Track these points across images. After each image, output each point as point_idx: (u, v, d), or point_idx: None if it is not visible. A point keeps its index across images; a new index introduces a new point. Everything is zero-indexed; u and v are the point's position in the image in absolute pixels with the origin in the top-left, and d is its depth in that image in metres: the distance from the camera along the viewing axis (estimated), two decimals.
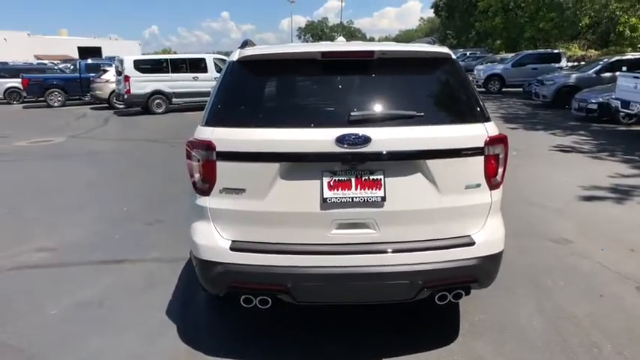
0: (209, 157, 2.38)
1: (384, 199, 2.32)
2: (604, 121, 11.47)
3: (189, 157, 2.50)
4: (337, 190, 2.32)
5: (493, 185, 2.47)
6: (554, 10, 24.53)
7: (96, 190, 6.51)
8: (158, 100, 15.37)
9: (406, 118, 2.36)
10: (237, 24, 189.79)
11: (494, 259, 2.48)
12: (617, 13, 20.33)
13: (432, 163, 2.34)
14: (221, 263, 2.38)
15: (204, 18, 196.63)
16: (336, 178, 2.33)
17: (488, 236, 2.46)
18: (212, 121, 2.44)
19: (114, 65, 16.73)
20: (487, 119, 2.49)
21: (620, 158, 7.90)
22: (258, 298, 2.43)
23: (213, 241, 2.42)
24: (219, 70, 16.31)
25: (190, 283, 3.58)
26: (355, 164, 2.31)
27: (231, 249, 2.37)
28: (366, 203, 2.32)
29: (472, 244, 2.41)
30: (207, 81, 15.72)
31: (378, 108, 2.41)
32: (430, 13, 61.70)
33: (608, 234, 4.50)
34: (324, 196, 2.31)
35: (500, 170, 2.49)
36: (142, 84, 14.94)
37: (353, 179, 2.33)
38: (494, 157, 2.44)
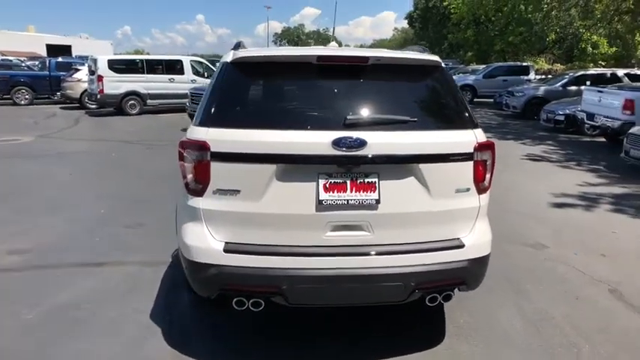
0: (203, 157, 2.37)
1: (378, 201, 2.36)
2: (570, 132, 11.96)
3: (181, 157, 2.47)
4: (333, 192, 2.34)
5: (481, 189, 2.55)
6: (523, 25, 25.43)
7: (70, 192, 6.32)
8: (132, 101, 15.05)
9: (400, 123, 2.42)
10: (212, 27, 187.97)
11: (482, 262, 2.56)
12: (581, 30, 21.28)
13: (424, 167, 2.40)
14: (214, 265, 2.37)
15: (179, 20, 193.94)
16: (332, 181, 2.35)
17: (477, 239, 2.53)
18: (206, 122, 2.43)
19: (87, 64, 16.30)
20: (475, 126, 2.57)
21: (586, 167, 8.25)
22: (251, 301, 2.42)
23: (206, 242, 2.40)
24: (195, 72, 16.17)
25: (175, 286, 3.53)
26: (351, 167, 2.35)
27: (225, 251, 2.36)
28: (360, 206, 2.36)
29: (462, 246, 2.47)
30: (184, 83, 15.56)
31: (373, 112, 2.46)
32: (404, 24, 62.88)
33: (580, 239, 4.69)
34: (320, 198, 2.33)
35: (488, 175, 2.57)
36: (116, 84, 14.60)
37: (348, 182, 2.36)
38: (482, 163, 2.52)
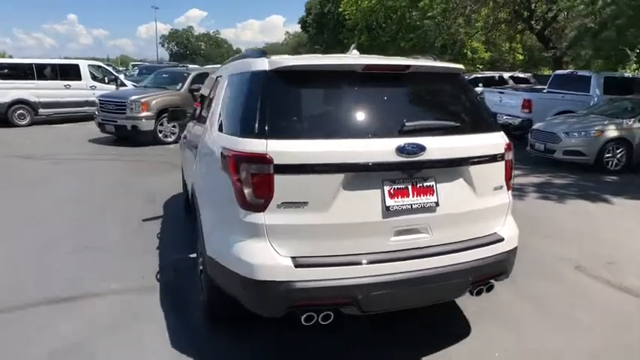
0: (265, 170, 2.27)
1: (437, 204, 2.47)
2: None
3: (234, 171, 2.34)
4: (397, 197, 2.40)
5: (509, 186, 2.80)
6: (412, 31, 27.54)
7: None
8: (21, 111, 13.26)
9: (448, 128, 2.56)
10: (87, 28, 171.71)
11: (515, 252, 2.80)
12: (464, 37, 23.72)
13: (472, 169, 2.57)
14: (284, 282, 2.27)
15: (45, 19, 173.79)
16: (396, 187, 2.41)
17: (510, 232, 2.78)
18: (262, 133, 2.32)
19: None
20: (499, 128, 2.82)
21: None
22: (321, 315, 2.36)
23: (273, 259, 2.30)
24: (94, 77, 14.79)
25: (185, 311, 3.27)
26: (413, 172, 2.43)
27: (296, 266, 2.28)
28: (422, 209, 2.45)
29: (502, 239, 2.69)
30: (82, 90, 14.19)
31: (422, 118, 2.56)
32: (295, 28, 64.00)
33: (522, 225, 5.29)
34: (387, 205, 2.38)
35: (512, 173, 2.83)
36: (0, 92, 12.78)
37: (409, 187, 2.44)
38: (510, 162, 2.78)
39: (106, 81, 14.94)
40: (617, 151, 8.11)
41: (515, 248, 2.80)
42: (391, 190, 2.40)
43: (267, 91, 2.46)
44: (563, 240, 4.86)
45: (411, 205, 2.42)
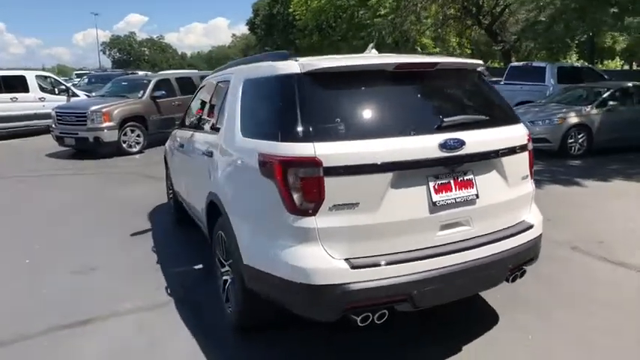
0: (315, 173, 2.24)
1: (477, 196, 2.53)
2: None
3: (281, 176, 2.29)
4: (442, 192, 2.44)
5: (532, 175, 2.92)
6: (364, 29, 27.98)
7: None
8: None
9: (481, 122, 2.63)
10: (17, 37, 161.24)
11: (541, 238, 2.92)
12: (415, 35, 24.42)
13: (504, 160, 2.65)
14: (340, 285, 2.24)
15: None
16: (440, 182, 2.44)
17: (537, 219, 2.89)
18: (307, 136, 2.28)
19: None
20: (519, 119, 2.92)
21: None
22: (377, 314, 2.36)
23: (328, 262, 2.27)
24: (42, 89, 13.95)
25: (209, 323, 3.17)
26: (455, 167, 2.47)
27: (352, 267, 2.26)
28: (465, 202, 2.50)
29: (532, 226, 2.79)
30: (30, 102, 13.34)
31: (459, 113, 2.61)
32: (242, 30, 63.27)
33: None
34: (433, 200, 2.41)
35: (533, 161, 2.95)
36: None
37: (452, 181, 2.48)
38: (531, 152, 2.89)
39: (56, 92, 14.13)
40: (579, 137, 8.63)
41: (541, 234, 2.91)
42: (435, 186, 2.43)
43: (304, 94, 2.42)
44: (552, 223, 5.09)
45: (455, 199, 2.47)
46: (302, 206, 2.27)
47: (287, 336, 3.01)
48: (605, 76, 11.90)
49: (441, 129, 2.46)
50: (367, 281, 2.27)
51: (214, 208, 3.15)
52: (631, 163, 8.28)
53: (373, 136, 2.35)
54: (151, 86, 11.24)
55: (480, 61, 2.97)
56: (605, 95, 8.90)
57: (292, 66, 2.54)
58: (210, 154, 3.29)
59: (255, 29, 49.72)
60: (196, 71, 16.99)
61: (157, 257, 4.48)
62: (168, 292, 3.72)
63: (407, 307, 2.40)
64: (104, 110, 10.11)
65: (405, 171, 2.36)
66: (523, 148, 2.78)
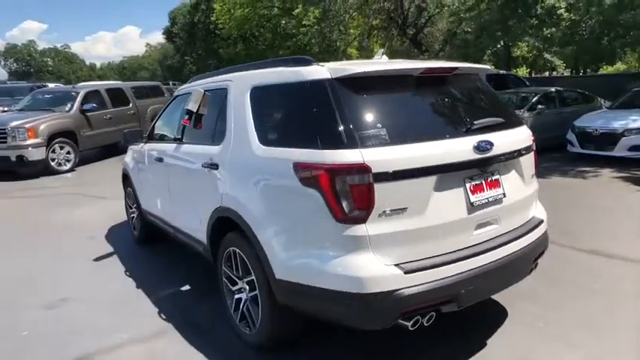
0: (365, 180, 2.20)
1: (504, 195, 2.64)
2: None
3: (328, 185, 2.22)
4: (477, 193, 2.51)
5: (536, 173, 3.11)
6: (290, 39, 28.20)
7: None
8: None
9: (501, 124, 2.75)
10: None
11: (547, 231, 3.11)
12: (340, 44, 25.07)
13: (521, 160, 2.80)
14: (394, 291, 2.22)
15: None
16: (474, 183, 2.52)
17: (543, 214, 3.08)
18: (352, 143, 2.24)
19: None
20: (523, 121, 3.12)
21: None
22: (426, 317, 2.36)
23: (381, 269, 2.23)
24: None
25: (221, 344, 3.00)
26: (486, 168, 2.56)
27: (405, 272, 2.24)
28: (495, 201, 2.60)
29: (543, 220, 2.97)
30: None
31: (482, 116, 2.70)
32: (155, 39, 60.78)
33: None
34: (471, 201, 2.47)
35: None
36: None
37: (483, 182, 2.56)
38: (535, 152, 3.08)
39: None
40: None
41: (547, 228, 3.11)
42: (471, 187, 2.50)
43: (339, 99, 2.37)
44: None
45: (487, 198, 2.56)
46: (352, 214, 2.21)
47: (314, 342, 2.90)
48: (527, 83, 13.06)
49: (469, 132, 2.54)
50: (420, 285, 2.26)
51: (224, 224, 2.97)
52: (562, 160, 9.10)
53: (414, 141, 2.36)
54: (79, 99, 10.42)
55: (488, 67, 3.13)
56: (533, 100, 9.74)
57: (321, 71, 2.48)
58: (213, 167, 3.10)
59: (173, 38, 47.95)
60: (127, 82, 15.95)
61: (133, 282, 4.13)
62: (164, 317, 3.44)
63: (452, 307, 2.42)
64: (28, 126, 9.17)
65: (446, 174, 2.40)
66: (531, 148, 2.96)
